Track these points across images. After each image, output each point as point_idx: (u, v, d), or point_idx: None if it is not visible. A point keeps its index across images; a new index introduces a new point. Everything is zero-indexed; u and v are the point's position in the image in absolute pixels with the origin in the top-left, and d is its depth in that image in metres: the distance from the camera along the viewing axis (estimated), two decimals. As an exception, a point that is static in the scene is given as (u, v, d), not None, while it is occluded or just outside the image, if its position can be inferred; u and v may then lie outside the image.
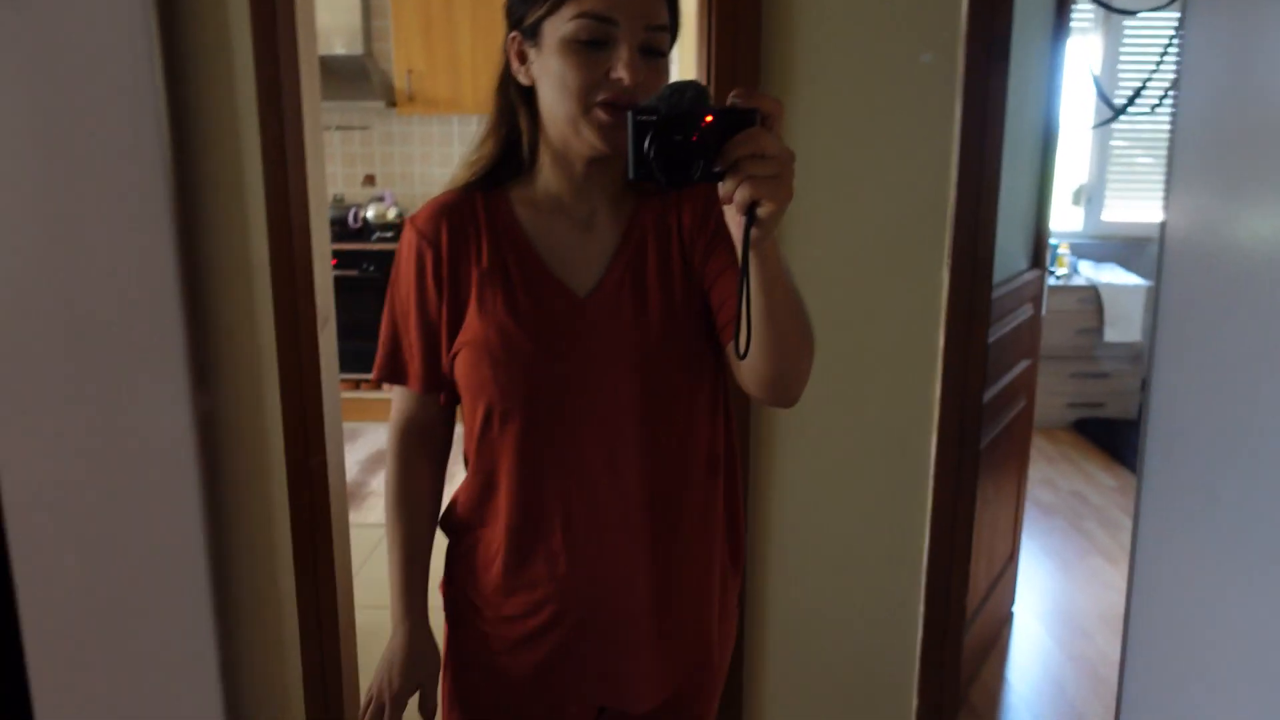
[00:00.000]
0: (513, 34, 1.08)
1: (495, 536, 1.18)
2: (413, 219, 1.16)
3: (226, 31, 1.87)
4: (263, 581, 2.12)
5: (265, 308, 1.96)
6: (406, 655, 1.21)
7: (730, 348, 1.07)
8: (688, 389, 1.14)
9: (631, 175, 0.87)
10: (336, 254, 4.35)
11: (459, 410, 1.22)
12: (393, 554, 1.24)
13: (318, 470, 2.05)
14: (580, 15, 1.00)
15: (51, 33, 1.72)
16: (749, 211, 0.85)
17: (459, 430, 1.23)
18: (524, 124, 1.11)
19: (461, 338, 1.13)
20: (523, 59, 1.08)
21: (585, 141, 1.04)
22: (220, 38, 1.88)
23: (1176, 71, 1.32)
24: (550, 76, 1.03)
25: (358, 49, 4.83)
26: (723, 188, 0.85)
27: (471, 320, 1.12)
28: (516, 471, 1.14)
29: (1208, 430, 1.28)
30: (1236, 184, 1.24)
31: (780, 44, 1.89)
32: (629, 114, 0.86)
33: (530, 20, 1.04)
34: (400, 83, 4.78)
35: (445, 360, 1.16)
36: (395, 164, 5.28)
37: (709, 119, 0.85)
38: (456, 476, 1.22)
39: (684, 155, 0.85)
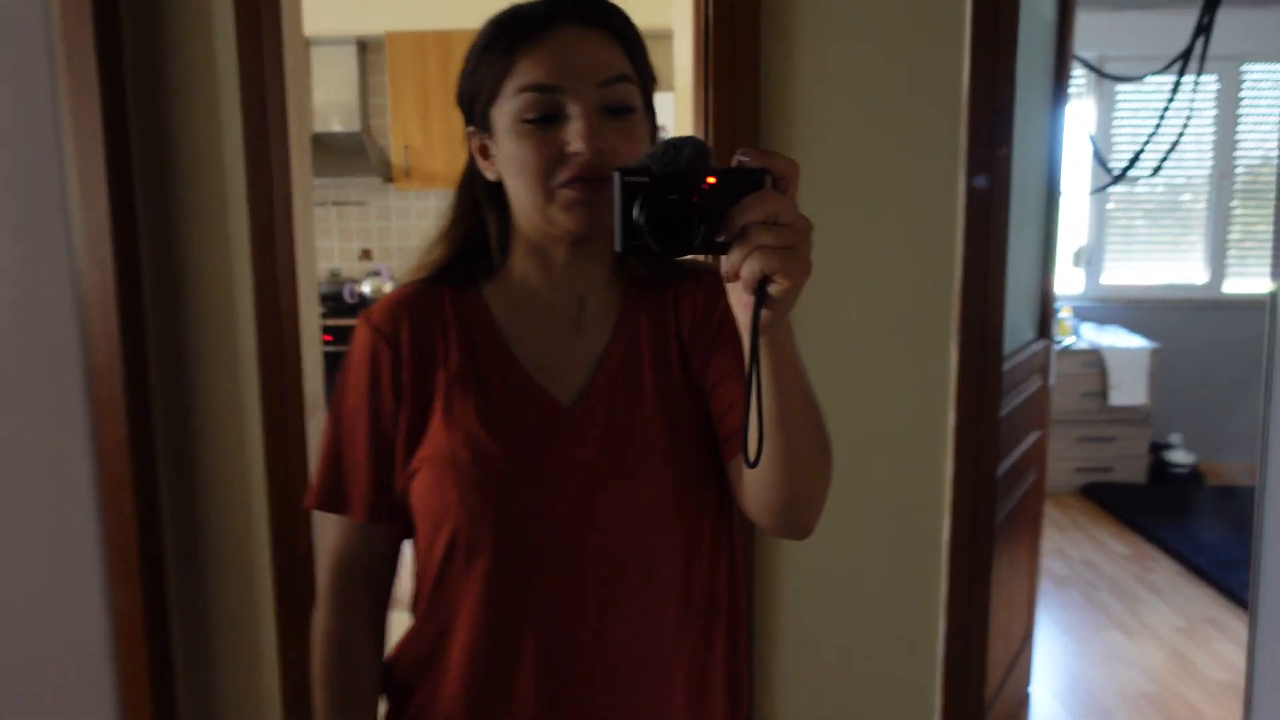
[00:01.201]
0: (469, 129, 0.97)
1: (445, 701, 0.97)
2: (366, 314, 0.99)
3: (216, 113, 1.85)
4: (245, 679, 2.03)
5: (252, 395, 1.91)
6: None
7: (734, 463, 0.93)
8: (689, 513, 0.96)
9: (618, 247, 0.74)
10: (331, 330, 4.31)
11: (408, 545, 1.03)
12: None
13: (304, 553, 1.97)
14: (521, 90, 0.88)
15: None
16: (759, 289, 0.72)
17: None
18: (492, 222, 0.99)
19: (422, 453, 0.95)
20: (485, 153, 0.96)
21: (559, 226, 0.91)
22: (210, 119, 1.85)
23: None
24: (509, 165, 0.92)
25: (355, 126, 4.86)
26: (727, 261, 0.72)
27: (435, 432, 0.94)
28: (481, 618, 0.94)
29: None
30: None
31: (778, 111, 1.86)
32: (615, 175, 0.73)
33: (478, 110, 0.94)
34: (397, 158, 4.79)
35: (399, 481, 0.97)
36: (392, 238, 5.27)
37: (711, 180, 0.72)
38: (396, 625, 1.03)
39: (682, 220, 0.72)
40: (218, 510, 1.97)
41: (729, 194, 0.72)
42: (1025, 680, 2.96)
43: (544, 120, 0.88)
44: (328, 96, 4.76)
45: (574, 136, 0.87)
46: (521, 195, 0.92)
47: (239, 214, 1.86)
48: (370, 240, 5.28)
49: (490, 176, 0.97)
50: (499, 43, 0.91)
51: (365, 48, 4.98)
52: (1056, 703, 2.96)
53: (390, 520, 1.00)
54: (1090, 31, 4.07)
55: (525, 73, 0.88)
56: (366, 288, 5.01)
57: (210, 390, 1.92)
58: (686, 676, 0.99)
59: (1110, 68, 4.60)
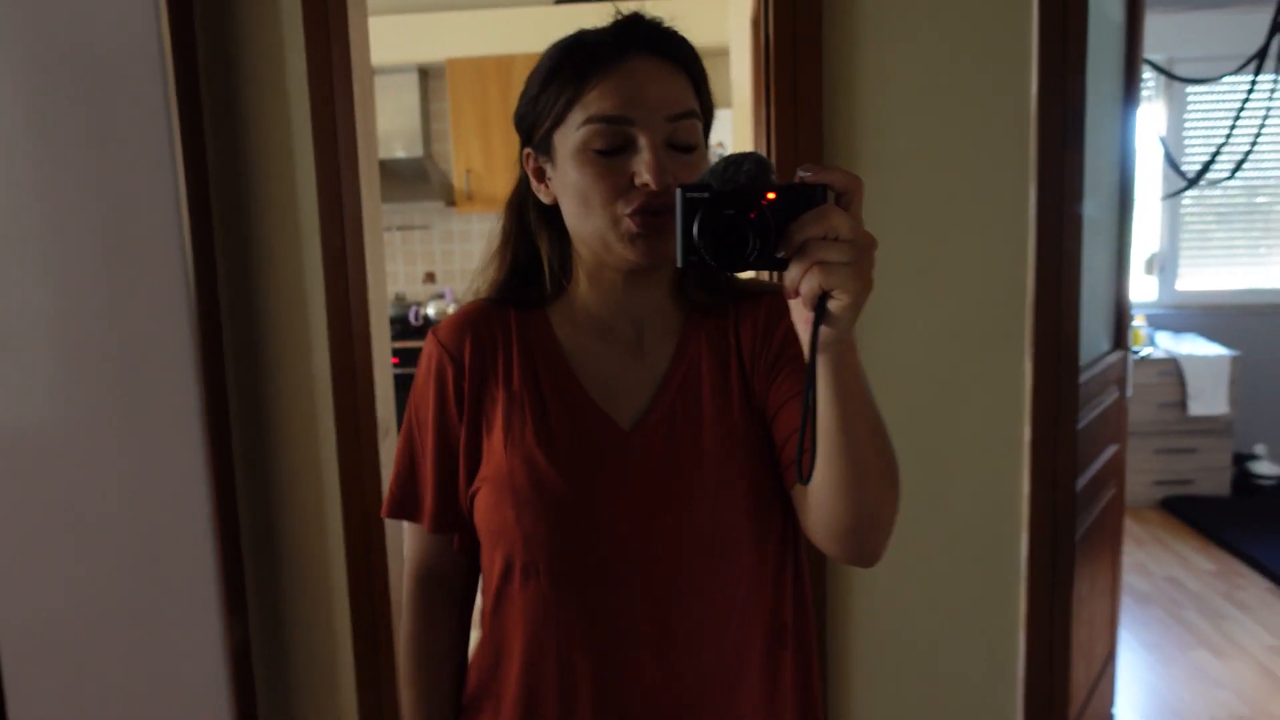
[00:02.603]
0: (526, 150, 0.97)
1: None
2: (435, 329, 1.01)
3: (289, 143, 1.89)
4: (323, 696, 2.06)
5: (327, 417, 1.94)
6: None
7: (797, 490, 0.90)
8: (752, 540, 0.94)
9: (679, 262, 0.74)
10: (397, 352, 4.37)
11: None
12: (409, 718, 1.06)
13: (379, 574, 2.00)
14: (590, 120, 0.88)
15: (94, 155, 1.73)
16: (819, 305, 0.70)
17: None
18: (545, 247, 0.99)
19: (482, 472, 0.96)
20: (540, 176, 0.96)
21: (620, 257, 0.90)
22: (283, 149, 1.90)
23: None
24: (569, 191, 0.91)
25: (417, 151, 4.94)
26: (788, 276, 0.72)
27: (495, 451, 0.95)
28: (535, 639, 0.94)
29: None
30: None
31: (843, 125, 1.84)
32: (678, 190, 0.74)
33: (539, 135, 0.93)
34: (459, 182, 4.86)
35: (463, 497, 0.99)
36: (455, 261, 5.35)
37: (771, 195, 0.72)
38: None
39: (738, 235, 0.72)
40: (294, 529, 2.00)
41: (789, 210, 0.72)
42: (1109, 701, 2.87)
43: (610, 151, 0.88)
44: (390, 123, 4.86)
45: (642, 168, 0.87)
46: (582, 222, 0.92)
47: (312, 241, 1.90)
48: (434, 263, 5.36)
49: (545, 200, 0.97)
50: (568, 69, 0.90)
51: (426, 75, 5.07)
52: (1143, 724, 2.87)
53: (454, 530, 1.02)
54: (1159, 33, 3.98)
55: (595, 102, 0.88)
56: (431, 310, 5.08)
57: (286, 413, 1.96)
58: (753, 707, 0.96)
59: (1180, 69, 4.49)
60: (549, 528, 0.92)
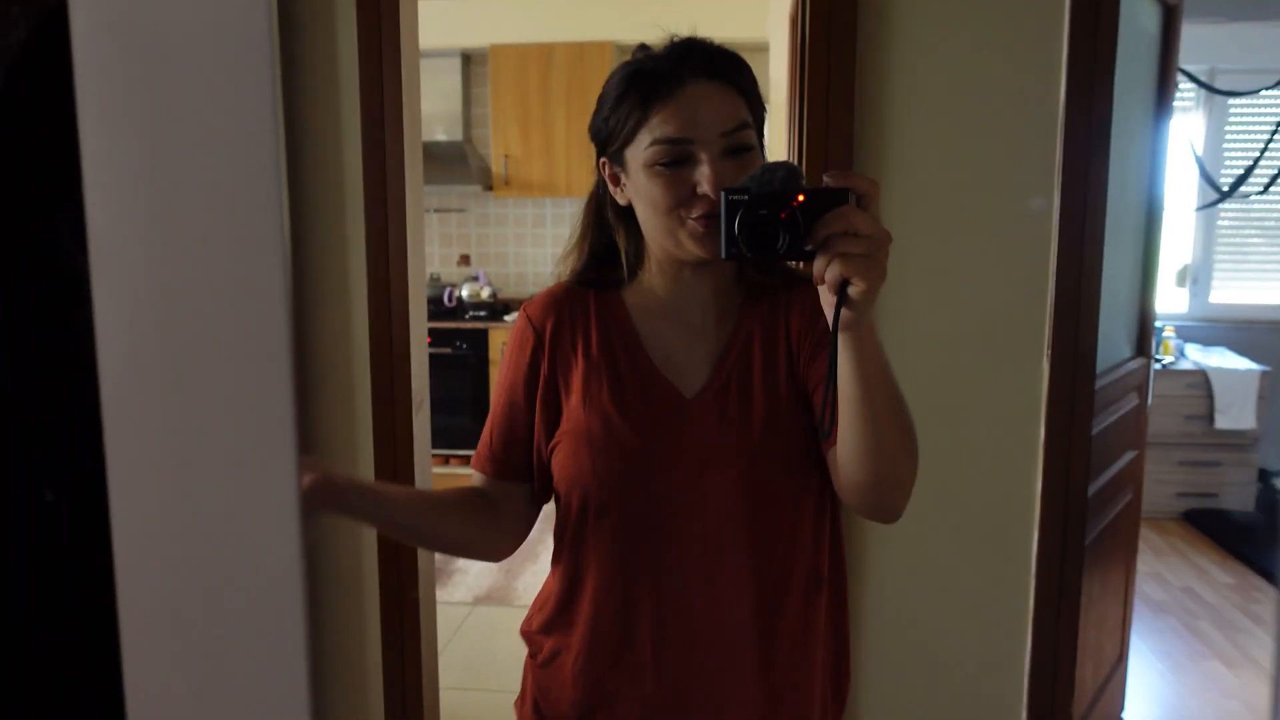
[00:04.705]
0: (602, 160, 1.11)
1: (575, 645, 1.13)
2: (526, 305, 1.18)
3: (337, 123, 1.96)
4: (350, 658, 2.14)
5: (364, 389, 2.01)
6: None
7: (831, 453, 1.04)
8: (792, 496, 1.09)
9: (723, 254, 0.89)
10: (431, 332, 4.45)
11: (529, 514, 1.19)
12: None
13: (406, 549, 2.07)
14: (655, 143, 1.01)
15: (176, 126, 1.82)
16: (840, 291, 0.84)
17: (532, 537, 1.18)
18: (622, 240, 1.13)
19: (562, 428, 1.11)
20: (615, 181, 1.10)
21: (687, 251, 1.04)
22: (331, 128, 1.97)
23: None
24: (642, 198, 1.05)
25: (457, 135, 5.01)
26: (814, 266, 0.86)
27: (574, 410, 1.10)
28: (606, 572, 1.10)
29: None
30: None
31: (873, 127, 1.89)
32: (721, 194, 0.88)
33: (613, 149, 1.07)
34: (497, 167, 4.93)
35: (544, 450, 1.13)
36: (490, 245, 5.42)
37: (800, 198, 0.86)
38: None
39: (771, 231, 0.86)
40: (327, 498, 2.08)
41: (816, 209, 0.85)
42: (1118, 705, 2.89)
43: (675, 163, 1.01)
44: (432, 107, 4.92)
45: (703, 180, 1.00)
46: (654, 224, 1.06)
47: (356, 219, 1.97)
48: (469, 246, 5.43)
49: (621, 201, 1.11)
50: (634, 95, 1.03)
51: (469, 60, 5.14)
52: (1149, 730, 2.89)
53: (514, 479, 1.15)
54: (1201, 44, 3.97)
55: (659, 127, 1.01)
56: (465, 292, 5.16)
57: (324, 384, 2.03)
58: (792, 642, 1.11)
59: (1222, 81, 4.47)
60: (620, 474, 1.07)
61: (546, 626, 1.16)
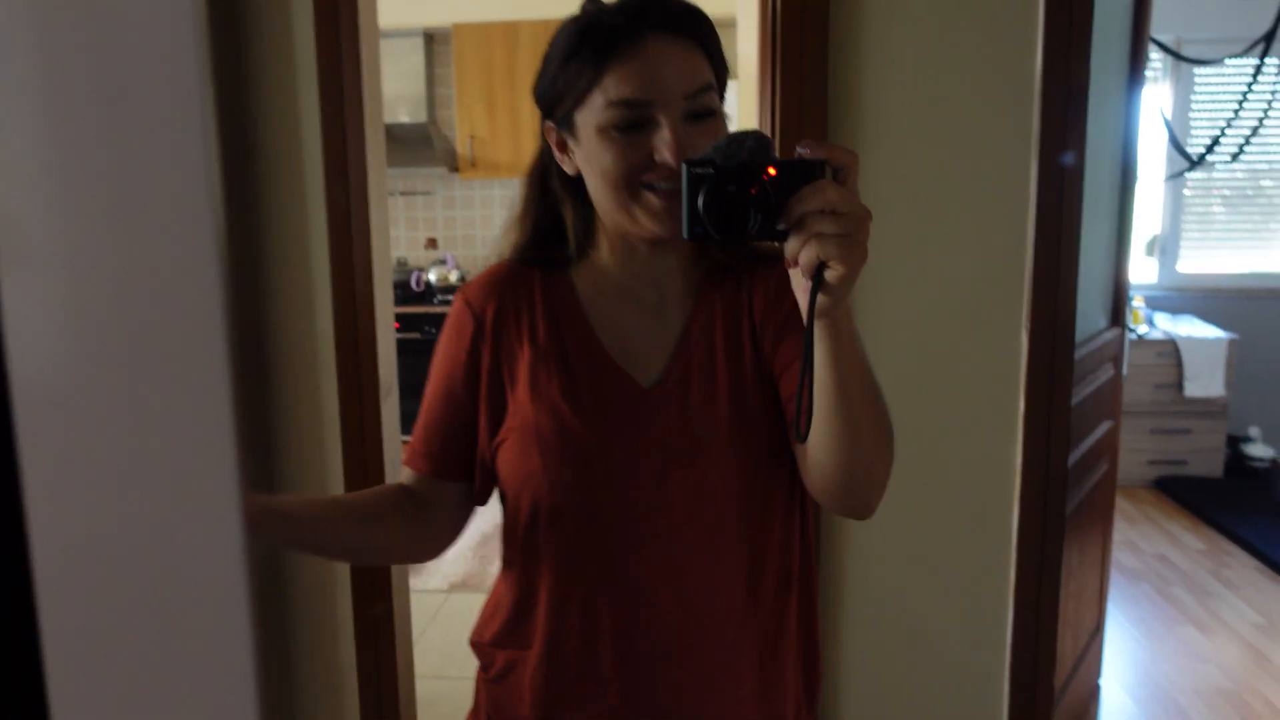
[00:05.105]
0: (547, 124, 1.00)
1: (530, 659, 1.03)
2: (464, 288, 1.06)
3: (295, 103, 1.90)
4: (324, 652, 2.10)
5: (329, 376, 1.96)
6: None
7: (800, 445, 0.93)
8: (762, 492, 0.99)
9: (685, 234, 0.79)
10: (398, 317, 4.39)
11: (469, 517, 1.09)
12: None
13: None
14: (610, 105, 0.91)
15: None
16: (816, 275, 0.75)
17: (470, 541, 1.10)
18: (569, 214, 1.02)
19: (508, 424, 1.01)
20: (562, 147, 0.99)
21: (643, 228, 0.94)
22: (289, 109, 1.90)
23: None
24: (593, 167, 0.94)
25: (421, 117, 4.93)
26: (787, 248, 0.76)
27: (521, 404, 0.99)
28: (562, 580, 1.00)
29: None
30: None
31: (847, 100, 1.85)
32: (683, 166, 0.78)
33: (561, 112, 0.96)
34: (463, 148, 4.85)
35: (487, 449, 1.03)
36: (457, 227, 5.35)
37: (771, 171, 0.76)
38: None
39: (740, 210, 0.77)
40: (296, 488, 2.03)
41: (789, 184, 0.76)
42: (1096, 672, 2.91)
43: (631, 127, 0.91)
44: (395, 88, 4.84)
45: (663, 146, 0.90)
46: (605, 196, 0.95)
47: (317, 202, 1.91)
48: (436, 229, 5.36)
49: (569, 170, 1.00)
50: (586, 51, 0.92)
51: (432, 39, 5.05)
52: (1128, 696, 2.91)
53: (450, 477, 1.05)
54: (1168, 13, 3.96)
55: (614, 87, 0.90)
56: (432, 275, 5.09)
57: (288, 374, 1.98)
58: (760, 648, 1.02)
59: (1188, 50, 4.47)
60: (574, 475, 0.97)
61: (498, 639, 1.06)
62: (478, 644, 1.10)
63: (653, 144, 0.91)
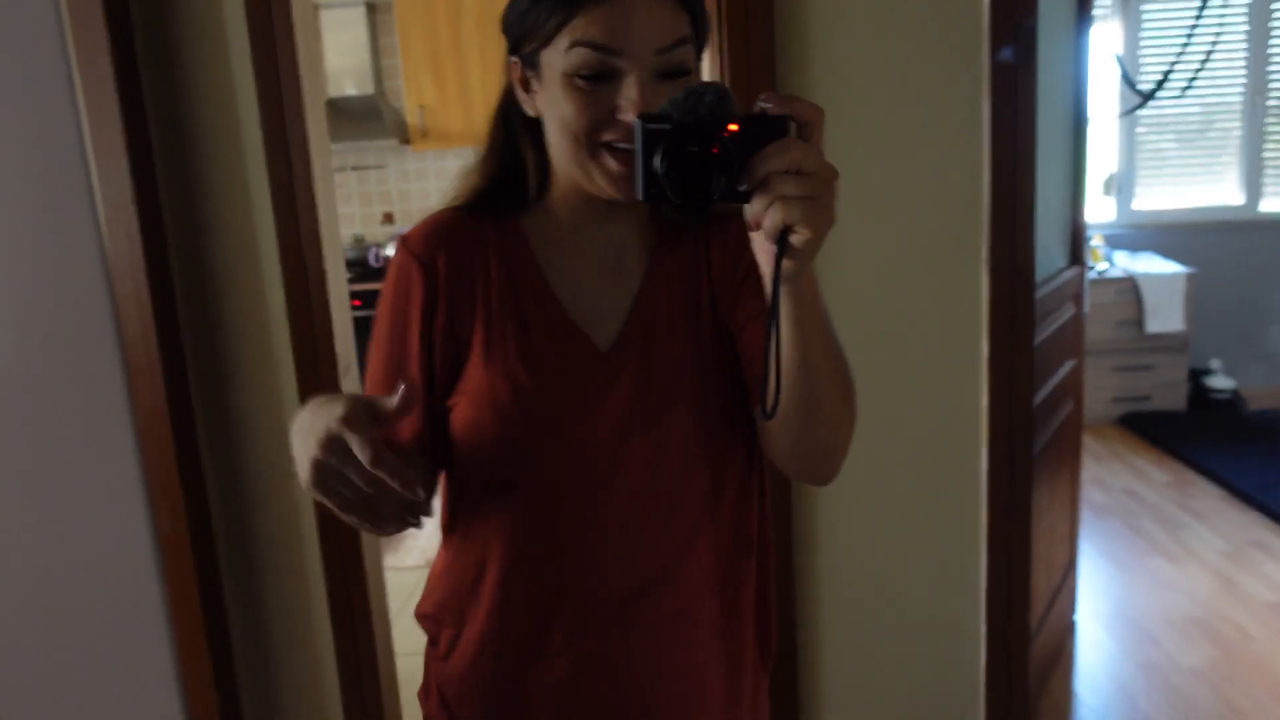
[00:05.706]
0: (513, 59, 0.94)
1: (478, 635, 0.99)
2: (404, 238, 0.97)
3: (229, 78, 1.84)
4: (298, 634, 2.07)
5: (285, 357, 1.92)
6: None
7: (758, 409, 0.90)
8: (719, 456, 0.96)
9: (640, 196, 0.74)
10: (358, 295, 4.33)
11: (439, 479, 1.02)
12: None
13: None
14: (577, 44, 0.84)
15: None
16: (781, 239, 0.71)
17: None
18: (529, 157, 0.97)
19: (460, 386, 0.95)
20: (526, 86, 0.93)
21: (598, 187, 0.90)
22: (223, 84, 1.84)
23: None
24: (553, 112, 0.89)
25: (369, 89, 4.83)
26: (749, 210, 0.72)
27: (475, 368, 0.94)
28: (513, 550, 0.96)
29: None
30: None
31: (795, 44, 1.82)
32: (636, 122, 0.73)
33: (527, 49, 0.90)
34: (413, 119, 4.76)
35: (438, 415, 0.97)
36: (413, 200, 5.27)
37: (733, 127, 0.72)
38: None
39: (702, 171, 0.72)
40: (258, 473, 1.99)
41: (751, 142, 0.71)
42: (1070, 608, 2.96)
43: (597, 78, 0.85)
44: (340, 61, 4.73)
45: (626, 104, 0.85)
46: (562, 148, 0.90)
47: (259, 179, 1.86)
48: (391, 203, 5.28)
49: (530, 112, 0.94)
50: None
51: (374, 9, 4.93)
52: (1102, 630, 2.96)
53: (408, 450, 0.96)
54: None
55: (584, 28, 0.84)
56: (390, 251, 5.02)
57: (243, 355, 1.93)
58: (717, 613, 1.00)
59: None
60: (530, 441, 0.93)
61: (444, 613, 1.02)
62: (423, 616, 1.05)
63: (617, 100, 0.85)
